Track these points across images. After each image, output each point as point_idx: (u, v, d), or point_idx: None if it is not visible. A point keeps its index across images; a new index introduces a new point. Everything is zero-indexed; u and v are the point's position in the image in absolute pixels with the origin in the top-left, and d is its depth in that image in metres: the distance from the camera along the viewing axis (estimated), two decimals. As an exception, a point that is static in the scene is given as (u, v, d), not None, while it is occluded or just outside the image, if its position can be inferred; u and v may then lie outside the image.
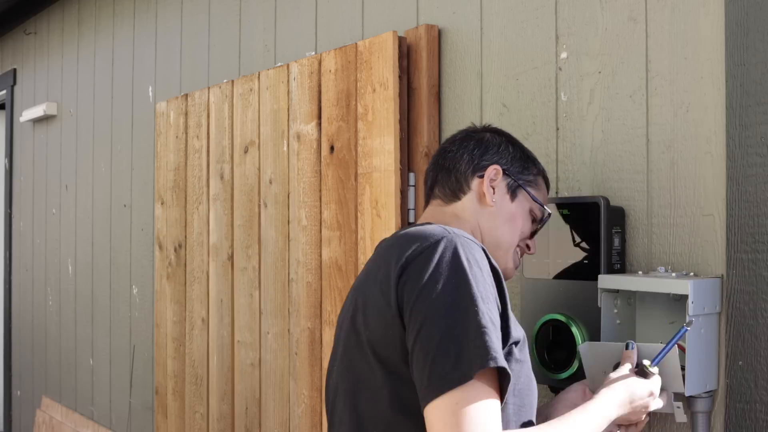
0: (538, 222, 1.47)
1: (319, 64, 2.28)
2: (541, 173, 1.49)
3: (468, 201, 1.41)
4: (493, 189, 1.40)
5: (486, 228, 1.40)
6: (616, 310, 1.58)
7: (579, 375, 1.57)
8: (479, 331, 1.10)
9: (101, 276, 3.81)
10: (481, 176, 1.40)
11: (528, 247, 1.47)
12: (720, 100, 1.51)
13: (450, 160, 1.44)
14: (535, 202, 1.44)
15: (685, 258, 1.56)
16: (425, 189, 1.48)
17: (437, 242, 1.19)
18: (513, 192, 1.42)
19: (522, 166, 1.44)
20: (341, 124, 2.19)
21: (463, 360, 1.09)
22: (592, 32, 1.73)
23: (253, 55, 2.77)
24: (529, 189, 1.43)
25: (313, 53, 2.46)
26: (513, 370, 1.16)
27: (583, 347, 1.51)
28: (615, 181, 1.68)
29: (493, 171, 1.40)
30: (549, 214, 1.46)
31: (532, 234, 1.47)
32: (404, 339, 1.17)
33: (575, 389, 1.49)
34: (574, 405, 1.36)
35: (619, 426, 1.39)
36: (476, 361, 1.09)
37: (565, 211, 1.66)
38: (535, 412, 1.27)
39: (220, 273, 2.70)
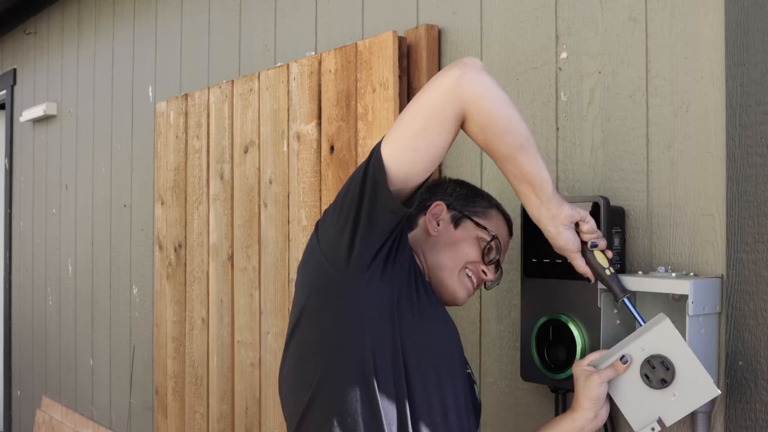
0: (488, 247, 1.50)
1: (319, 64, 2.28)
2: (495, 206, 1.56)
3: (416, 234, 1.51)
4: (438, 222, 1.50)
5: (428, 252, 1.49)
6: (616, 310, 1.58)
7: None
8: None
9: (101, 276, 3.81)
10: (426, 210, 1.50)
11: (485, 272, 1.50)
12: (720, 100, 1.51)
13: None
14: (479, 227, 1.50)
15: (685, 258, 1.55)
16: None
17: None
18: (457, 222, 1.51)
19: (468, 200, 1.53)
20: (341, 124, 2.19)
21: None
22: (592, 32, 1.73)
23: (253, 55, 2.77)
24: (475, 218, 1.51)
25: (313, 53, 2.46)
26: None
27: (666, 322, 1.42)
28: (615, 181, 1.68)
29: (435, 206, 1.50)
30: (494, 236, 1.50)
31: (489, 262, 1.50)
32: None
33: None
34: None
35: None
36: None
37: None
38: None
39: (220, 273, 2.70)
